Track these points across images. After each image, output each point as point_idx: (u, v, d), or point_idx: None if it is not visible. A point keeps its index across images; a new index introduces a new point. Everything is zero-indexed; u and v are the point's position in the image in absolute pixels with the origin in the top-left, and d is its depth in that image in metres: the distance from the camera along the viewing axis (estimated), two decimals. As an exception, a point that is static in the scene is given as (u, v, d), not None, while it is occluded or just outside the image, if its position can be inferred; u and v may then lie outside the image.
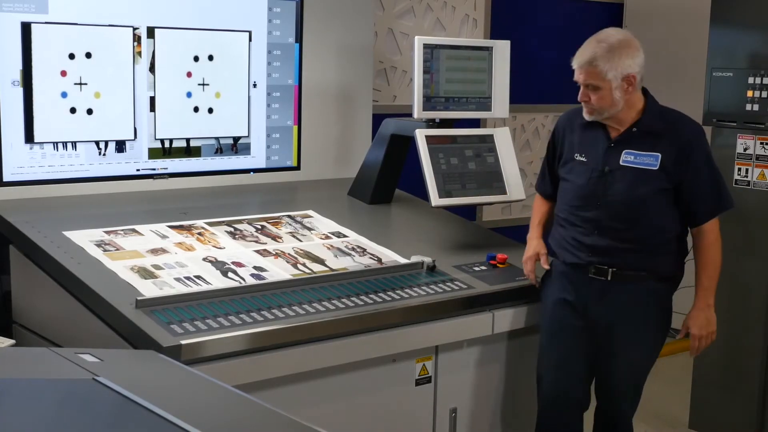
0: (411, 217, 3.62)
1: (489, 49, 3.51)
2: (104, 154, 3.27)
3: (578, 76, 2.86)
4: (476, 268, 3.11)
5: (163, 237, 2.97)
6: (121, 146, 3.30)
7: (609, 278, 2.90)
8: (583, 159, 2.96)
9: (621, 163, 2.88)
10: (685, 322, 2.98)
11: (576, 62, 2.86)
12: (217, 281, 2.70)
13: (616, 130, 2.92)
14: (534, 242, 3.12)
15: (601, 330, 2.95)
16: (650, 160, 2.85)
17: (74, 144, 3.20)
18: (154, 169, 3.39)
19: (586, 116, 2.91)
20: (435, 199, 3.23)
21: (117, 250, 2.81)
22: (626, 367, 2.98)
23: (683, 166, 2.84)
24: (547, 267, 3.05)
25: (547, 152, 3.16)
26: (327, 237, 3.19)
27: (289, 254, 2.97)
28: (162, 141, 3.39)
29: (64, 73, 3.14)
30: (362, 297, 2.76)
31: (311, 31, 3.74)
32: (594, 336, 2.96)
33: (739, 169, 3.92)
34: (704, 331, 2.95)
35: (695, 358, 4.12)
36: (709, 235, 2.92)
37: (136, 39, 3.27)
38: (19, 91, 3.06)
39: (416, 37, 3.35)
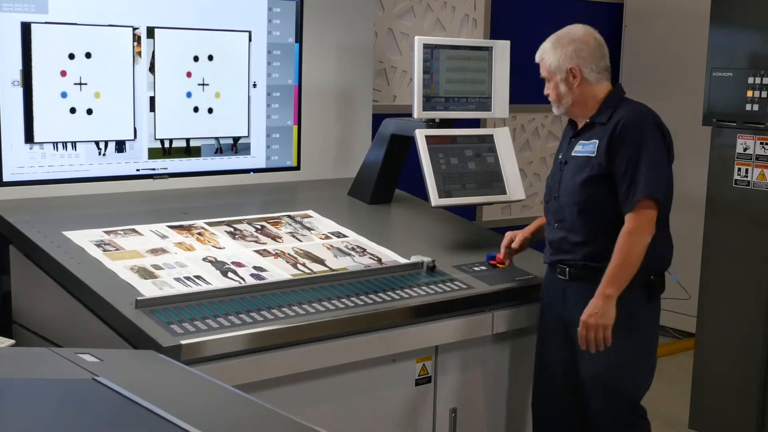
0: (411, 217, 3.62)
1: (489, 49, 3.51)
2: (104, 154, 3.27)
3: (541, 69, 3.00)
4: (476, 268, 3.11)
5: (163, 237, 2.97)
6: (121, 146, 3.30)
7: (567, 277, 2.92)
8: (559, 156, 3.04)
9: (573, 153, 2.95)
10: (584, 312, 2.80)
11: (537, 55, 2.99)
12: (217, 281, 2.70)
13: (580, 125, 2.99)
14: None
15: (571, 329, 2.88)
16: (590, 148, 2.90)
17: (74, 144, 3.20)
18: (154, 169, 3.39)
19: (554, 110, 3.01)
20: (435, 199, 3.23)
21: (117, 250, 2.81)
22: (593, 371, 2.88)
23: (614, 151, 2.81)
24: (515, 247, 3.13)
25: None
26: (327, 237, 3.19)
27: (289, 254, 2.97)
28: (162, 141, 3.39)
29: (64, 73, 3.14)
30: (362, 297, 2.76)
31: (311, 31, 3.74)
32: (568, 337, 2.92)
33: (739, 169, 3.92)
34: (592, 320, 2.75)
35: (695, 358, 4.13)
36: (627, 224, 2.77)
37: (136, 39, 3.27)
38: (19, 91, 3.06)
39: (416, 37, 3.35)
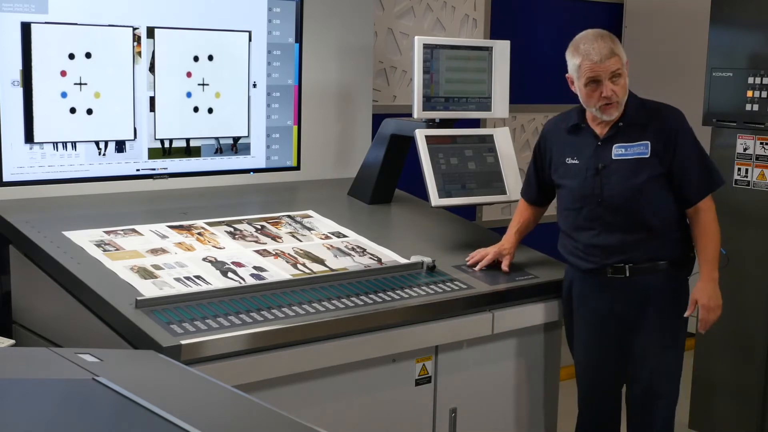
0: (411, 217, 3.62)
1: (489, 49, 3.51)
2: (104, 154, 3.27)
3: (602, 71, 2.86)
4: (476, 268, 3.11)
5: (163, 237, 2.96)
6: (121, 146, 3.30)
7: (627, 274, 2.95)
8: (575, 161, 3.01)
9: (613, 157, 2.93)
10: (692, 295, 2.99)
11: (596, 60, 2.86)
12: (217, 281, 2.70)
13: (603, 129, 2.97)
14: (503, 240, 3.18)
15: (627, 321, 2.99)
16: (641, 149, 2.92)
17: (74, 144, 3.20)
18: (154, 169, 3.39)
19: (609, 116, 2.92)
20: (435, 199, 3.23)
21: (117, 250, 2.81)
22: (651, 358, 3.00)
23: (672, 150, 2.91)
24: (506, 270, 3.11)
25: (534, 159, 3.20)
26: (327, 237, 3.19)
27: (289, 254, 2.97)
28: (162, 141, 3.39)
29: (63, 73, 3.14)
30: (362, 297, 2.75)
31: (311, 31, 3.74)
32: (624, 333, 3.00)
33: (739, 169, 3.92)
34: (712, 303, 2.96)
35: (695, 358, 4.13)
36: (707, 213, 2.97)
37: (136, 39, 3.27)
38: (19, 91, 3.06)
39: (416, 37, 3.35)
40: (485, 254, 3.13)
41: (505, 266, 3.12)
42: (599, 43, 2.89)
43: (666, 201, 2.95)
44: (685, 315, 2.98)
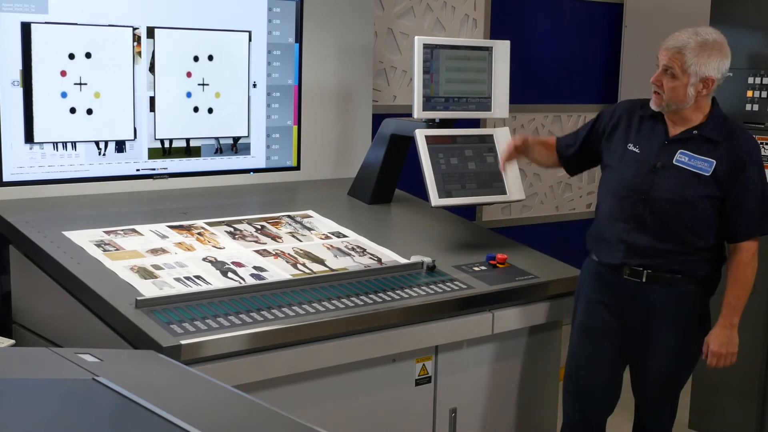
0: (411, 217, 3.62)
1: (489, 49, 3.51)
2: (104, 154, 3.27)
3: (661, 58, 2.80)
4: (476, 268, 3.11)
5: (163, 237, 2.97)
6: (120, 146, 3.30)
7: (644, 279, 2.88)
8: (636, 150, 2.90)
9: (674, 161, 2.84)
10: (706, 339, 2.90)
11: (665, 44, 2.80)
12: (217, 281, 2.70)
13: (676, 129, 2.87)
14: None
15: (634, 332, 2.93)
16: (704, 165, 2.81)
17: (74, 144, 3.20)
18: (154, 169, 3.39)
19: (654, 105, 2.86)
20: (435, 199, 3.23)
21: (117, 250, 2.81)
22: (660, 373, 2.95)
23: (735, 177, 2.80)
24: (518, 144, 3.11)
25: (591, 125, 3.08)
26: (327, 237, 3.19)
27: (289, 254, 2.97)
28: (162, 141, 3.39)
29: (63, 73, 3.14)
30: (362, 297, 2.75)
31: (311, 31, 3.74)
32: (627, 339, 2.95)
33: (739, 169, 3.91)
34: (724, 350, 2.87)
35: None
36: (745, 254, 2.86)
37: (136, 39, 3.27)
38: (19, 91, 3.06)
39: (416, 37, 3.35)
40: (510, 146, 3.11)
41: (518, 140, 3.12)
42: (680, 34, 2.79)
43: (710, 224, 2.84)
44: (702, 357, 2.92)
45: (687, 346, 2.94)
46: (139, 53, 3.29)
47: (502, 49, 3.51)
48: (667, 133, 2.88)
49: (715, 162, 2.80)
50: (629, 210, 2.88)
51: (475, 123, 4.37)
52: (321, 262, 2.96)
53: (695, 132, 2.85)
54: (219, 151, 3.54)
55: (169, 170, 3.43)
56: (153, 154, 3.38)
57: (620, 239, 2.90)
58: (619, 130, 2.97)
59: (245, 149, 3.60)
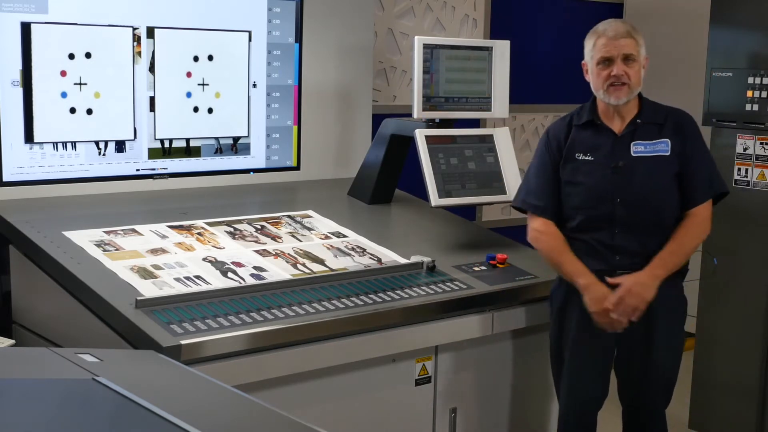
0: (411, 217, 3.62)
1: (489, 49, 3.51)
2: (104, 154, 3.27)
3: (614, 49, 2.81)
4: (476, 268, 3.11)
5: (163, 237, 2.96)
6: (120, 146, 3.30)
7: None
8: (589, 158, 2.90)
9: (633, 155, 2.87)
10: (624, 276, 2.81)
11: (612, 36, 2.82)
12: (217, 281, 2.70)
13: (619, 126, 2.90)
14: (598, 288, 2.84)
15: (632, 331, 2.88)
16: (662, 146, 2.87)
17: (74, 144, 3.20)
18: (153, 169, 3.39)
19: (618, 99, 2.84)
20: (435, 199, 3.23)
21: (117, 250, 2.81)
22: (664, 362, 2.94)
23: (686, 146, 2.88)
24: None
25: (548, 167, 2.96)
26: (327, 237, 3.19)
27: (288, 254, 2.97)
28: (162, 141, 3.39)
29: (63, 73, 3.14)
30: (362, 297, 2.75)
31: (311, 31, 3.74)
32: (622, 338, 2.90)
33: (739, 169, 3.92)
34: (636, 288, 2.78)
35: (695, 358, 4.13)
36: (696, 217, 2.88)
37: (136, 39, 3.27)
38: (19, 91, 3.06)
39: (416, 37, 3.35)
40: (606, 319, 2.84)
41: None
42: (618, 24, 2.87)
43: (676, 201, 2.89)
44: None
45: (680, 331, 2.97)
46: (139, 53, 3.29)
47: (502, 49, 3.51)
48: (613, 133, 2.90)
49: (669, 140, 2.87)
50: (607, 216, 2.86)
51: (475, 123, 4.37)
52: (321, 262, 2.96)
53: (639, 121, 2.89)
54: (219, 151, 3.54)
55: (169, 170, 3.43)
56: (153, 154, 3.38)
57: (608, 245, 2.87)
58: (564, 147, 2.94)
59: (245, 149, 3.60)
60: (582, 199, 2.90)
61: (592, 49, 2.89)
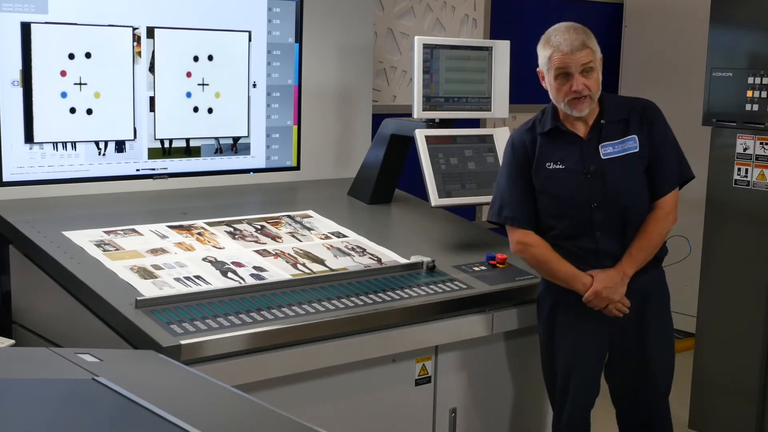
0: (411, 217, 3.62)
1: (489, 49, 3.51)
2: (104, 154, 3.27)
3: (572, 63, 2.74)
4: (476, 268, 3.11)
5: (163, 237, 2.96)
6: (120, 146, 3.30)
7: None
8: (560, 166, 2.84)
9: (603, 157, 2.82)
10: (594, 274, 2.81)
11: (567, 48, 2.74)
12: (217, 281, 2.70)
13: (584, 129, 2.86)
14: (601, 275, 2.82)
15: (627, 324, 2.88)
16: (631, 143, 2.83)
17: (74, 144, 3.20)
18: (153, 169, 3.39)
19: (581, 112, 2.79)
20: (435, 199, 3.23)
21: (117, 250, 2.81)
22: (663, 354, 2.94)
23: (652, 140, 2.84)
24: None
25: (518, 176, 2.90)
26: (327, 237, 3.19)
27: (288, 254, 2.97)
28: (162, 141, 3.39)
29: (63, 73, 3.14)
30: (362, 297, 2.76)
31: (311, 31, 3.74)
32: (616, 336, 2.90)
33: (739, 169, 3.92)
34: (605, 293, 2.78)
35: (695, 358, 4.13)
36: (662, 210, 2.85)
37: (136, 39, 3.27)
38: (19, 91, 3.06)
39: (416, 37, 3.35)
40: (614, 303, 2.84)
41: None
42: (571, 34, 2.76)
43: (647, 193, 2.86)
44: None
45: (670, 320, 2.98)
46: (139, 53, 3.29)
47: (502, 49, 3.51)
48: (578, 137, 2.85)
49: (636, 136, 2.83)
50: (586, 223, 2.83)
51: (475, 123, 4.37)
52: (321, 262, 2.96)
53: (603, 121, 2.84)
54: (219, 151, 3.54)
55: (169, 170, 3.43)
56: (153, 154, 3.38)
57: (591, 250, 2.85)
58: (535, 157, 2.89)
59: (245, 149, 3.60)
60: (558, 209, 2.86)
61: (547, 61, 2.80)
